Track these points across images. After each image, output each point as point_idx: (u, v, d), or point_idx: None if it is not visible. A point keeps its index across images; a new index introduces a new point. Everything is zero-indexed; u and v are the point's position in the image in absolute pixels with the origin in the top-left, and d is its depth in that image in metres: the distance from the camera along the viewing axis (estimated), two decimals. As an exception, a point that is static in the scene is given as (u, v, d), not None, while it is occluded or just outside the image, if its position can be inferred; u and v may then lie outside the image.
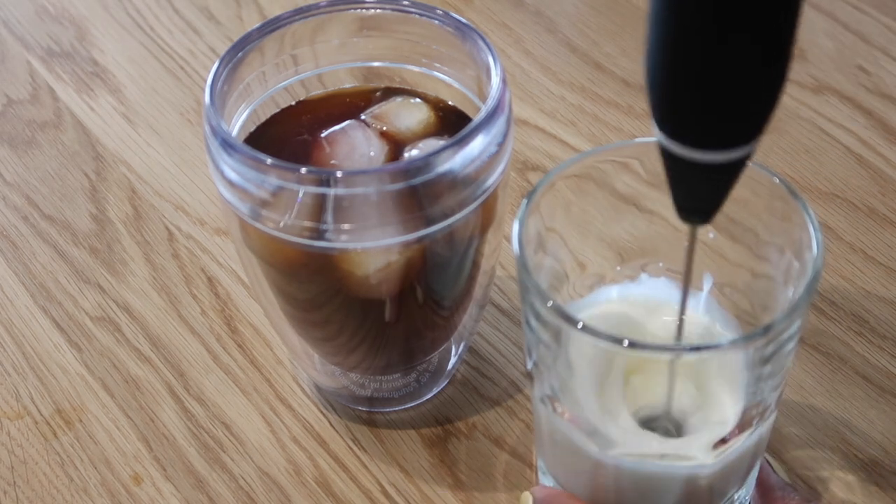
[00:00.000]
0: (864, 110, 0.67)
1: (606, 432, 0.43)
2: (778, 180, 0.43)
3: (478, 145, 0.45)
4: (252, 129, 0.50)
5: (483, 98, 0.48)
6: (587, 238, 0.47)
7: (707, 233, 0.45)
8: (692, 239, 0.39)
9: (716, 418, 0.43)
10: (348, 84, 0.52)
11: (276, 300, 0.50)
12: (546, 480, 0.48)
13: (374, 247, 0.45)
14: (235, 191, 0.45)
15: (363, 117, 0.50)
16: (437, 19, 0.49)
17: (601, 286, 0.48)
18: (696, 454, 0.43)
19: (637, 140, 0.46)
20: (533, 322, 0.41)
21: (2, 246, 0.62)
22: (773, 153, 0.65)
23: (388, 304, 0.48)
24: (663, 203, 0.46)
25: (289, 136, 0.50)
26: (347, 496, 0.51)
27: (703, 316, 0.47)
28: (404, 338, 0.51)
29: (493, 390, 0.55)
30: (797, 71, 0.70)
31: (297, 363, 0.56)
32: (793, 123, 0.67)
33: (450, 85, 0.50)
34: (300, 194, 0.44)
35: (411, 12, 0.50)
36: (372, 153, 0.48)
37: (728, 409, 0.43)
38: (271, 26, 0.49)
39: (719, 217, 0.44)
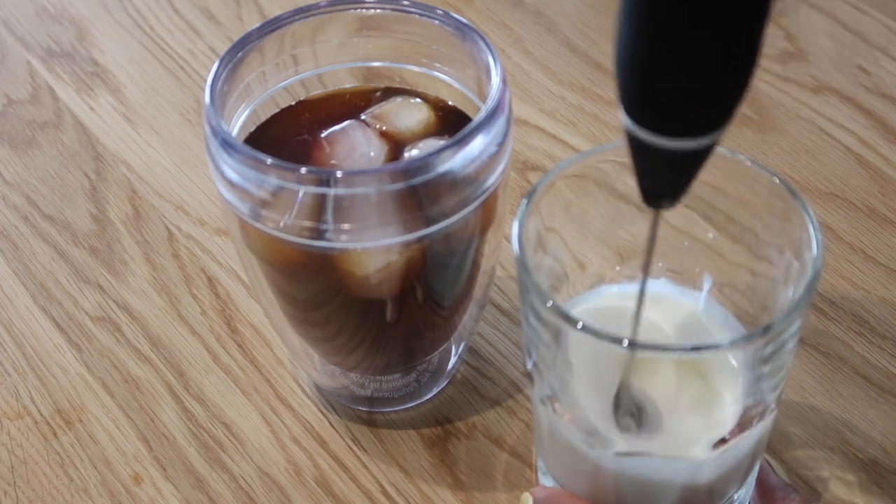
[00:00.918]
0: (864, 110, 0.67)
1: (606, 432, 0.43)
2: (778, 180, 0.43)
3: (478, 145, 0.45)
4: (252, 129, 0.50)
5: (483, 98, 0.48)
6: (587, 238, 0.47)
7: (707, 233, 0.45)
8: (655, 223, 0.39)
9: (716, 418, 0.43)
10: (348, 84, 0.52)
11: (276, 300, 0.50)
12: (546, 480, 0.48)
13: (374, 247, 0.45)
14: (235, 191, 0.45)
15: (363, 117, 0.50)
16: (437, 19, 0.49)
17: (601, 286, 0.48)
18: (695, 454, 0.43)
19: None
20: (533, 322, 0.41)
21: (2, 246, 0.62)
22: (773, 153, 0.65)
23: (388, 304, 0.49)
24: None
25: (289, 136, 0.50)
26: (347, 496, 0.51)
27: (701, 314, 0.47)
28: (404, 338, 0.51)
29: (493, 390, 0.55)
30: (797, 71, 0.70)
31: (297, 363, 0.56)
32: (793, 123, 0.67)
33: (450, 85, 0.50)
34: (300, 194, 0.44)
35: (411, 12, 0.50)
36: (372, 153, 0.48)
37: (728, 408, 0.43)
38: (271, 26, 0.49)
39: (719, 217, 0.44)
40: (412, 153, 0.48)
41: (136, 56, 0.73)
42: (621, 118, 0.36)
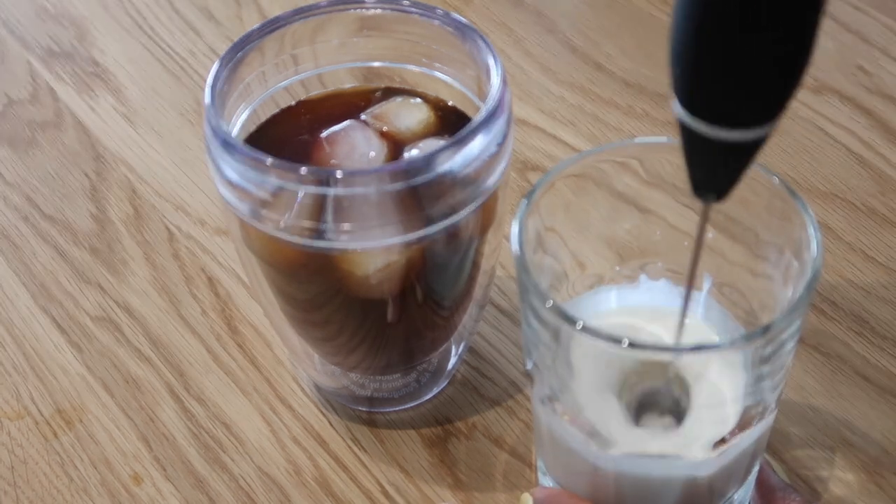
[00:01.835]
0: (864, 110, 0.67)
1: (606, 432, 0.43)
2: (778, 180, 0.43)
3: (478, 145, 0.45)
4: (252, 129, 0.50)
5: (483, 98, 0.48)
6: (587, 238, 0.47)
7: (707, 233, 0.45)
8: (704, 218, 0.39)
9: (715, 418, 0.43)
10: (348, 84, 0.52)
11: (276, 300, 0.50)
12: (546, 480, 0.48)
13: (374, 247, 0.45)
14: (235, 191, 0.45)
15: (363, 117, 0.50)
16: (437, 19, 0.49)
17: (600, 286, 0.48)
18: (695, 454, 0.43)
19: (637, 140, 0.46)
20: (532, 322, 0.41)
21: (2, 246, 0.62)
22: (773, 153, 0.65)
23: (388, 304, 0.49)
24: (663, 203, 0.46)
25: (289, 136, 0.50)
26: (347, 496, 0.51)
27: (699, 319, 0.47)
28: (404, 338, 0.51)
29: (493, 390, 0.55)
30: (797, 71, 0.70)
31: (297, 363, 0.56)
32: (793, 123, 0.67)
33: (450, 85, 0.50)
34: (300, 194, 0.44)
35: (411, 12, 0.50)
36: (372, 153, 0.48)
37: (728, 408, 0.43)
38: (271, 26, 0.49)
39: (719, 217, 0.44)
40: (412, 153, 0.48)
41: (136, 56, 0.73)
42: (674, 109, 0.36)
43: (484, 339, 0.57)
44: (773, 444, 0.52)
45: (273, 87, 0.50)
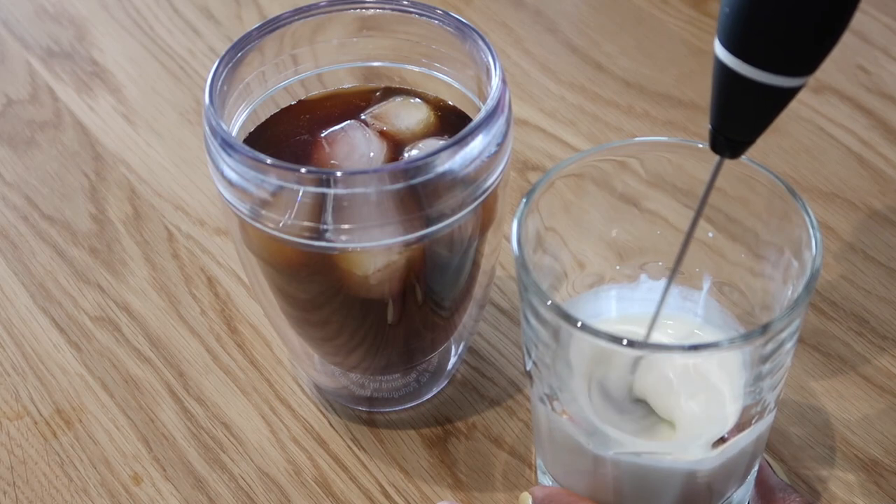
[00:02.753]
0: (864, 110, 0.67)
1: (605, 431, 0.43)
2: (778, 180, 0.43)
3: (478, 145, 0.45)
4: (252, 129, 0.50)
5: (483, 98, 0.48)
6: (586, 237, 0.47)
7: (707, 232, 0.45)
8: (715, 170, 0.40)
9: (715, 417, 0.43)
10: (348, 84, 0.52)
11: (276, 300, 0.50)
12: (545, 480, 0.48)
13: (374, 247, 0.45)
14: (235, 191, 0.45)
15: (363, 117, 0.50)
16: (437, 19, 0.49)
17: (600, 285, 0.48)
18: (695, 453, 0.43)
19: (637, 140, 0.46)
20: (532, 321, 0.41)
21: (2, 246, 0.62)
22: (773, 153, 0.65)
23: (388, 304, 0.48)
24: (663, 203, 0.46)
25: (289, 136, 0.50)
26: (347, 496, 0.51)
27: (698, 318, 0.47)
28: (404, 338, 0.51)
29: (492, 390, 0.55)
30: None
31: (297, 363, 0.56)
32: (793, 123, 0.67)
33: (450, 85, 0.51)
34: (300, 194, 0.44)
35: (411, 12, 0.50)
36: (372, 153, 0.48)
37: (727, 407, 0.43)
38: (271, 26, 0.49)
39: (719, 216, 0.44)
40: (412, 153, 0.48)
41: (136, 56, 0.73)
42: (717, 51, 0.37)
43: (484, 338, 0.57)
44: (773, 444, 0.52)
45: (273, 86, 0.50)
